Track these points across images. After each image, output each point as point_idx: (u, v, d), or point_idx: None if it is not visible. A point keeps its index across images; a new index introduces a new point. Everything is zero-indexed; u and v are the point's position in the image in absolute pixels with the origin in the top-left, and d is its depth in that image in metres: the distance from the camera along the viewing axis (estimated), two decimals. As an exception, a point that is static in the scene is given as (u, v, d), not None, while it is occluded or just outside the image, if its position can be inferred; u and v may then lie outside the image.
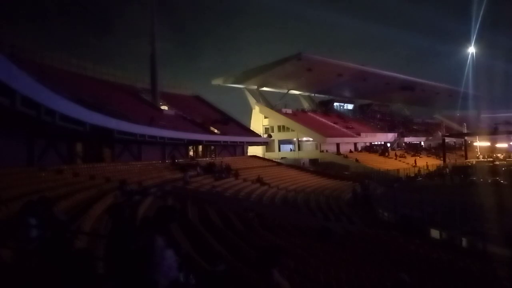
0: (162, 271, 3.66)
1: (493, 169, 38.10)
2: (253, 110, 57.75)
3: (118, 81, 37.36)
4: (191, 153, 35.84)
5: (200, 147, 37.30)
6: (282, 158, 49.53)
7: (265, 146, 51.30)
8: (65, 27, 70.91)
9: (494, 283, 10.51)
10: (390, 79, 61.78)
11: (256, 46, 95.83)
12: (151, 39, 37.17)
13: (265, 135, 52.37)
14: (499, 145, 57.14)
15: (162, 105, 38.59)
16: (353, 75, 56.78)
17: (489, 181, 32.46)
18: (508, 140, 54.64)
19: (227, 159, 33.52)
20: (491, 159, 49.07)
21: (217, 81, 58.15)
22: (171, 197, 15.69)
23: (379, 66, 60.68)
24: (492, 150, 56.75)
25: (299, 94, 66.98)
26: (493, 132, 54.47)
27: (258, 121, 56.48)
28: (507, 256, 13.41)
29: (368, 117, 72.83)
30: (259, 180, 28.26)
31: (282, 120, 55.34)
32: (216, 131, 38.43)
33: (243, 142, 41.61)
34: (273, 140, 53.85)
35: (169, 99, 40.62)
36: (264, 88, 59.71)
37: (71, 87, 23.54)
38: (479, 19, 57.26)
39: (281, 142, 56.00)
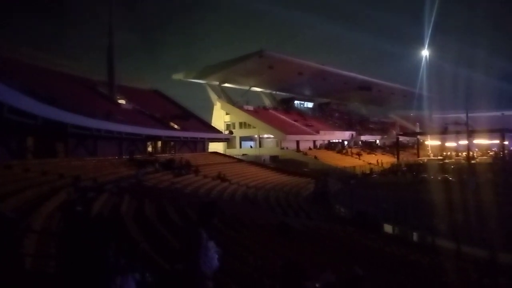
0: (207, 262, 4.04)
1: (443, 167, 40.22)
2: (215, 106, 57.41)
3: (74, 73, 35.70)
4: (149, 149, 35.03)
5: (159, 143, 36.56)
6: (243, 154, 49.60)
7: (226, 143, 51.15)
8: (19, 15, 66.74)
9: (441, 275, 11.12)
10: (348, 79, 63.54)
11: (219, 41, 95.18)
12: (109, 30, 35.87)
13: (227, 132, 52.21)
14: (448, 144, 60.40)
15: (119, 99, 37.36)
16: (313, 74, 57.86)
17: (439, 178, 34.20)
18: (456, 140, 57.82)
19: (187, 156, 33.07)
20: (441, 157, 51.76)
21: (178, 76, 57.19)
22: (128, 194, 15.26)
23: (338, 66, 62.22)
24: (442, 148, 59.90)
25: (261, 91, 67.34)
26: (443, 132, 57.49)
27: (220, 118, 56.22)
28: (453, 249, 14.24)
29: (327, 115, 74.52)
30: (220, 177, 28.13)
31: (243, 116, 55.41)
32: (176, 126, 37.80)
33: (204, 138, 41.20)
34: (234, 136, 53.78)
35: (127, 93, 39.40)
36: (226, 84, 59.49)
37: (22, 78, 22.23)
38: (431, 24, 60.31)
39: (242, 138, 56.09)
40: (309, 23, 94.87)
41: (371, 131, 72.73)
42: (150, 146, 35.46)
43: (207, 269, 4.02)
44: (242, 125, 55.57)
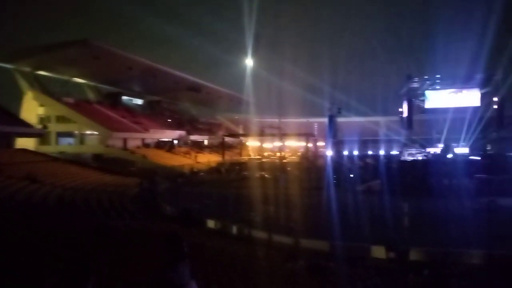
0: None
1: (261, 165, 44.78)
2: (25, 96, 49.64)
3: None
4: None
5: None
6: (60, 152, 44.59)
7: (39, 139, 45.12)
8: None
9: (255, 263, 12.39)
10: (179, 79, 64.11)
11: (37, 24, 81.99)
12: None
13: (40, 126, 45.99)
14: (265, 145, 67.54)
15: None
16: (144, 71, 56.13)
17: (257, 175, 37.92)
18: (272, 141, 65.09)
19: (-14, 152, 27.83)
20: (259, 157, 57.40)
21: (-24, 57, 47.22)
22: None
23: (170, 65, 62.05)
24: (260, 149, 66.47)
25: (84, 83, 61.59)
26: (261, 134, 63.89)
27: (31, 110, 48.93)
28: (266, 239, 16.07)
29: (157, 113, 73.50)
30: (29, 177, 24.61)
31: (62, 110, 49.70)
32: (-30, 117, 31.35)
33: (9, 133, 35.59)
34: (50, 132, 47.89)
35: None
36: (41, 72, 52.09)
37: None
38: (253, 37, 66.29)
39: (60, 134, 50.33)
40: (142, 18, 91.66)
41: (200, 131, 75.15)
42: None
43: None
44: (60, 119, 49.76)
